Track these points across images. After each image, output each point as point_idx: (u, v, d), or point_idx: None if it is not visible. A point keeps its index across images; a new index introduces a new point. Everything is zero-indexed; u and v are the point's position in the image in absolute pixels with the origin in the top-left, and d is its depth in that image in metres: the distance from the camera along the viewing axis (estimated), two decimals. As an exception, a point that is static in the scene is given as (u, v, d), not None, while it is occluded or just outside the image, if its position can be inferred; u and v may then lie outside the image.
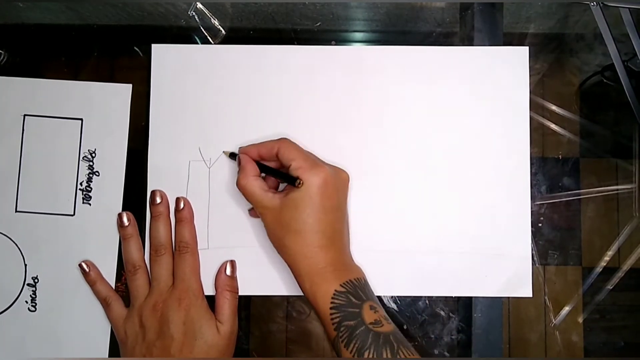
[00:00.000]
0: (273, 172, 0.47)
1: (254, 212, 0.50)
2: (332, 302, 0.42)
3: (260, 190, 0.45)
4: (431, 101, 0.51)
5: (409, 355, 0.41)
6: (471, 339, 0.50)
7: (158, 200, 0.49)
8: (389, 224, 0.50)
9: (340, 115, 0.51)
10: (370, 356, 0.40)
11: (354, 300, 0.43)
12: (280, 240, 0.45)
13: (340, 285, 0.43)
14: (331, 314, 0.42)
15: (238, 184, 0.46)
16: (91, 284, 0.50)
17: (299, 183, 0.43)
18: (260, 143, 0.48)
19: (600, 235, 0.52)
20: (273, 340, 0.52)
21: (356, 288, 0.43)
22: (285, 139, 0.47)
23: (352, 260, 0.47)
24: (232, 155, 0.50)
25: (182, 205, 0.49)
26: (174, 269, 0.48)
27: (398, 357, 0.40)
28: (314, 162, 0.45)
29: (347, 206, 0.48)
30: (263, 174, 0.48)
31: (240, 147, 0.49)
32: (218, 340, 0.46)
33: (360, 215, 0.50)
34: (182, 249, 0.48)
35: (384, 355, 0.40)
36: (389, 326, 0.42)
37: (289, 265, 0.45)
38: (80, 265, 0.50)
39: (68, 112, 0.52)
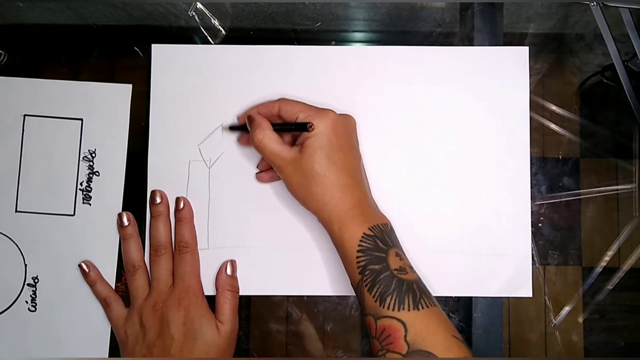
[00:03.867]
0: (282, 126, 0.46)
1: (263, 174, 0.50)
2: (359, 245, 0.42)
3: (278, 143, 0.44)
4: (431, 101, 0.51)
5: (430, 304, 0.40)
6: (471, 338, 0.50)
7: (158, 200, 0.49)
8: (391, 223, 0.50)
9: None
10: (392, 302, 0.40)
11: (381, 245, 0.42)
12: (305, 188, 0.44)
13: (369, 228, 0.42)
14: (357, 257, 0.42)
15: (254, 141, 0.45)
16: (91, 284, 0.50)
17: (311, 126, 0.43)
18: (259, 104, 0.48)
19: (601, 235, 0.52)
20: (273, 340, 0.52)
21: (383, 233, 0.43)
22: (283, 97, 0.48)
23: (376, 205, 0.47)
24: (233, 128, 0.50)
25: (182, 205, 0.49)
26: (173, 269, 0.48)
27: (420, 305, 0.40)
28: (318, 108, 0.45)
29: (360, 149, 0.48)
30: None
31: (238, 116, 0.50)
32: (218, 340, 0.46)
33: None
34: (182, 248, 0.48)
35: (406, 302, 0.40)
36: (413, 275, 0.42)
37: (316, 213, 0.44)
38: (80, 265, 0.50)
39: (68, 112, 0.52)
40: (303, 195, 0.44)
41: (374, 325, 0.40)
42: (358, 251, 0.42)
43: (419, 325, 0.39)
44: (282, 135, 0.46)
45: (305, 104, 0.46)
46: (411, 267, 0.43)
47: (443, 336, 0.39)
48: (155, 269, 0.48)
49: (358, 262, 0.42)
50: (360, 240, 0.42)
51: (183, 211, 0.49)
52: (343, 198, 0.43)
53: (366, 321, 0.41)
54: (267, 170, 0.50)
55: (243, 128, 0.48)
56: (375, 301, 0.40)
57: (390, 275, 0.41)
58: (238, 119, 0.50)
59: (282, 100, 0.47)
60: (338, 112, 0.45)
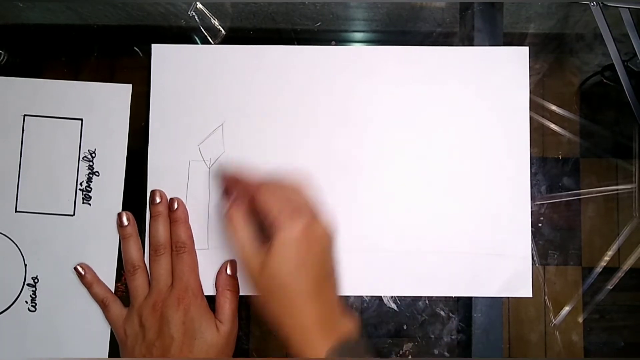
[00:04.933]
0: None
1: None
2: None
3: (250, 241, 0.42)
4: (431, 101, 0.51)
5: None
6: (471, 339, 0.50)
7: (158, 199, 0.49)
8: (389, 224, 0.50)
9: (340, 115, 0.51)
10: None
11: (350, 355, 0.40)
12: (262, 301, 0.42)
13: (331, 348, 0.39)
14: None
15: (227, 218, 0.43)
16: (88, 286, 0.50)
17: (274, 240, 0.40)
18: (241, 177, 0.45)
19: (600, 235, 0.52)
20: (273, 340, 0.52)
21: (348, 349, 0.40)
22: (264, 184, 0.44)
23: (342, 314, 0.43)
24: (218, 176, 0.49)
25: (175, 206, 0.49)
26: (172, 270, 0.48)
27: None
28: (292, 211, 0.41)
29: (332, 254, 0.43)
30: None
31: (224, 172, 0.48)
32: (218, 339, 0.46)
33: (360, 215, 0.50)
34: (179, 249, 0.48)
35: None
36: None
37: (274, 327, 0.42)
38: (75, 268, 0.50)
39: (68, 112, 0.52)
40: (260, 305, 0.42)
41: None
42: None
43: None
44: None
45: (282, 198, 0.42)
46: None
47: None
48: (155, 269, 0.48)
49: None
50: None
51: (177, 212, 0.49)
52: (299, 318, 0.40)
53: None
54: None
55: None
56: None
57: None
58: (222, 176, 0.48)
59: (262, 186, 0.43)
60: (316, 209, 0.42)
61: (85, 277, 0.50)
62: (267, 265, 0.40)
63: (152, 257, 0.49)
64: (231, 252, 0.50)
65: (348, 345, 0.40)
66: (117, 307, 0.49)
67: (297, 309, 0.40)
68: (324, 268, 0.42)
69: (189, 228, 0.50)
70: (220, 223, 0.50)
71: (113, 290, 0.50)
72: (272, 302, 0.41)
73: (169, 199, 0.50)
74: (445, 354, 0.51)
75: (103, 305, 0.49)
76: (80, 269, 0.50)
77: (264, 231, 0.42)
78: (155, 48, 0.52)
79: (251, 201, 0.43)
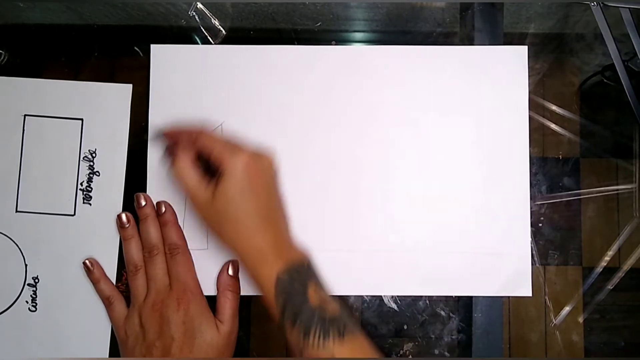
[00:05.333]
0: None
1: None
2: (276, 286, 0.43)
3: (196, 180, 0.45)
4: (431, 101, 0.51)
5: (354, 333, 0.42)
6: (471, 338, 0.50)
7: (143, 202, 0.49)
8: (389, 224, 0.50)
9: (340, 115, 0.51)
10: (316, 337, 0.41)
11: (298, 282, 0.43)
12: (217, 230, 0.45)
13: (284, 268, 0.43)
14: (276, 297, 0.42)
15: (174, 171, 0.46)
16: (94, 282, 0.50)
17: (219, 175, 0.43)
18: (180, 129, 0.48)
19: (601, 235, 0.52)
20: (273, 340, 0.52)
21: (301, 269, 0.44)
22: (203, 129, 0.47)
23: (295, 243, 0.47)
24: (156, 137, 0.50)
25: (163, 209, 0.49)
26: (169, 271, 0.48)
27: (344, 336, 0.41)
28: (234, 147, 0.45)
29: (278, 189, 0.47)
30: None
31: (161, 130, 0.49)
32: (218, 339, 0.46)
33: (360, 215, 0.50)
34: (173, 250, 0.48)
35: (331, 336, 0.41)
36: (334, 307, 0.43)
37: (232, 252, 0.45)
38: (84, 263, 0.50)
39: (68, 112, 0.52)
40: (216, 235, 0.46)
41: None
42: (275, 292, 0.42)
43: (346, 354, 0.41)
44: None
45: (221, 141, 0.45)
46: (331, 300, 0.43)
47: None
48: (151, 269, 0.48)
49: (277, 302, 0.42)
50: (277, 281, 0.43)
51: (166, 214, 0.49)
52: (255, 240, 0.44)
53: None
54: None
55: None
56: (300, 335, 0.41)
57: (311, 310, 0.42)
58: (164, 134, 0.49)
59: (201, 132, 0.46)
60: (255, 147, 0.46)
61: (93, 273, 0.50)
62: (217, 196, 0.44)
63: (146, 258, 0.49)
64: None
65: (299, 268, 0.44)
66: (121, 306, 0.49)
67: (249, 234, 0.44)
68: (272, 197, 0.46)
69: (179, 229, 0.50)
70: (168, 176, 0.50)
71: (113, 290, 0.50)
72: (225, 229, 0.44)
73: (174, 199, 0.50)
74: (446, 354, 0.51)
75: (108, 303, 0.49)
76: (88, 263, 0.50)
77: (209, 174, 0.45)
78: (155, 48, 0.52)
79: (194, 146, 0.46)
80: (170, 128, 0.49)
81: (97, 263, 0.50)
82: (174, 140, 0.48)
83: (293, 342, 0.42)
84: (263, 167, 0.46)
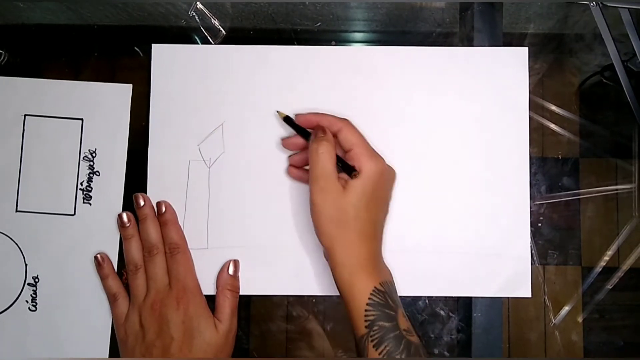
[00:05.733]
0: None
1: (295, 170, 0.48)
2: (370, 299, 0.42)
3: (334, 168, 0.43)
4: (431, 101, 0.51)
5: None
6: (471, 338, 0.50)
7: (142, 203, 0.49)
8: (389, 223, 0.50)
9: (340, 115, 0.51)
10: None
11: (390, 302, 0.42)
12: (330, 225, 0.43)
13: (380, 283, 0.42)
14: (366, 311, 0.41)
15: (316, 150, 0.43)
16: (103, 277, 0.50)
17: (355, 174, 0.43)
18: (323, 115, 0.47)
19: (600, 235, 0.52)
20: (273, 340, 0.52)
21: (392, 291, 0.43)
22: (348, 121, 0.46)
23: (384, 261, 0.46)
24: (288, 119, 0.48)
25: (163, 209, 0.49)
26: (168, 270, 0.48)
27: None
28: (373, 152, 0.45)
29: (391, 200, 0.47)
30: None
31: (297, 114, 0.48)
32: (216, 338, 0.46)
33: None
34: (173, 250, 0.48)
35: None
36: (416, 338, 0.42)
37: (329, 251, 0.43)
38: (95, 257, 0.50)
39: (69, 112, 0.52)
40: (326, 230, 0.43)
41: None
42: (367, 304, 0.41)
43: None
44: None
45: (364, 140, 0.45)
46: (415, 330, 0.43)
47: None
48: (151, 269, 0.48)
49: (366, 316, 0.41)
50: (371, 294, 0.42)
51: (166, 214, 0.49)
52: (362, 248, 0.43)
53: None
54: (301, 168, 0.49)
55: (294, 127, 0.47)
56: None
57: (400, 335, 0.41)
58: (297, 116, 0.48)
59: (346, 123, 0.45)
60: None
61: (103, 268, 0.50)
62: (349, 190, 0.43)
63: (146, 258, 0.49)
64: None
65: (390, 287, 0.43)
66: (124, 305, 0.49)
67: (360, 239, 0.43)
68: (387, 208, 0.46)
69: (179, 229, 0.50)
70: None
71: (113, 290, 0.50)
72: (339, 228, 0.43)
73: (173, 198, 0.50)
74: (445, 353, 0.51)
75: (113, 299, 0.49)
76: (100, 258, 0.50)
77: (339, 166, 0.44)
78: (156, 48, 0.52)
79: (334, 133, 0.45)
80: (309, 113, 0.47)
81: (108, 258, 0.50)
82: (314, 123, 0.46)
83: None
84: (391, 181, 0.46)
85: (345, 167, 0.44)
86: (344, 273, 0.43)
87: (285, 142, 0.49)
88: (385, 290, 0.42)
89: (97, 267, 0.50)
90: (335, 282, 0.44)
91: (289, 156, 0.50)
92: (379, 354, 0.40)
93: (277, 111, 0.49)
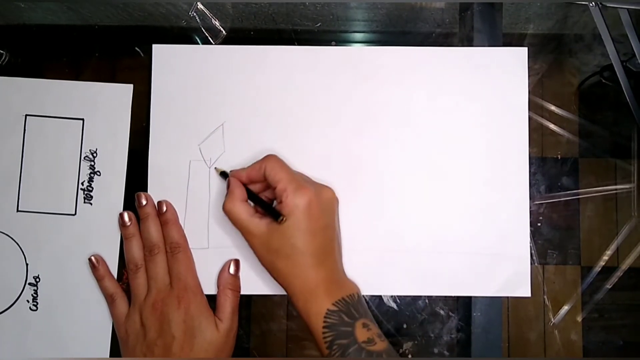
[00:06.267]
0: (260, 202, 0.47)
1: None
2: (324, 321, 0.43)
3: (246, 215, 0.46)
4: (431, 101, 0.51)
5: None
6: (470, 338, 0.50)
7: (143, 202, 0.50)
8: (389, 223, 0.51)
9: (340, 116, 0.51)
10: None
11: (346, 319, 0.43)
12: (270, 264, 0.45)
13: (333, 304, 0.43)
14: (324, 333, 0.43)
15: (224, 209, 0.46)
16: (99, 279, 0.50)
17: (282, 220, 0.43)
18: (249, 166, 0.48)
19: (599, 235, 0.52)
20: (273, 339, 0.52)
21: (349, 306, 0.44)
22: (272, 156, 0.47)
23: (345, 276, 0.48)
24: (223, 174, 0.50)
25: (164, 209, 0.50)
26: (169, 270, 0.48)
27: None
28: (299, 184, 0.45)
29: (336, 223, 0.48)
30: (251, 202, 0.48)
31: (231, 171, 0.49)
32: (217, 337, 0.46)
33: (360, 215, 0.50)
34: (174, 249, 0.49)
35: None
36: (382, 344, 0.43)
37: (282, 286, 0.46)
38: (89, 259, 0.50)
39: (69, 112, 0.52)
40: (268, 268, 0.46)
41: None
42: (324, 327, 0.43)
43: None
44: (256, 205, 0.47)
45: (289, 172, 0.46)
46: (380, 336, 0.43)
47: None
48: (152, 268, 0.48)
49: (325, 338, 0.42)
50: (325, 317, 0.43)
51: (167, 214, 0.50)
52: (306, 278, 0.44)
53: None
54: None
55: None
56: None
57: (359, 348, 0.42)
58: (230, 172, 0.49)
59: (269, 160, 0.46)
60: (318, 182, 0.47)
61: (98, 270, 0.50)
62: (274, 231, 0.44)
63: (147, 257, 0.49)
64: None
65: (349, 301, 0.44)
66: (123, 304, 0.49)
67: (302, 271, 0.44)
68: (329, 235, 0.46)
69: (180, 228, 0.50)
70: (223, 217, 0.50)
71: (114, 290, 0.50)
72: (278, 265, 0.45)
73: (174, 198, 0.50)
74: (445, 353, 0.51)
75: (110, 300, 0.49)
76: (94, 259, 0.50)
77: (263, 205, 0.47)
78: (156, 48, 0.52)
79: (261, 175, 0.46)
80: (237, 170, 0.49)
81: (103, 260, 0.50)
82: (228, 183, 0.48)
83: None
84: (325, 205, 0.46)
85: (272, 213, 0.45)
86: (298, 302, 0.44)
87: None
88: (339, 308, 0.43)
89: (92, 269, 0.50)
90: (298, 313, 0.45)
91: None
92: None
93: (215, 168, 0.51)
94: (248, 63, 0.52)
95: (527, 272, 0.50)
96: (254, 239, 0.45)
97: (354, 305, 0.44)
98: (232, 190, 0.47)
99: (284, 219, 0.44)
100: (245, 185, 0.48)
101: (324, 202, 0.46)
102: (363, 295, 0.47)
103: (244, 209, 0.46)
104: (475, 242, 0.50)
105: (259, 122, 0.51)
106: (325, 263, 0.45)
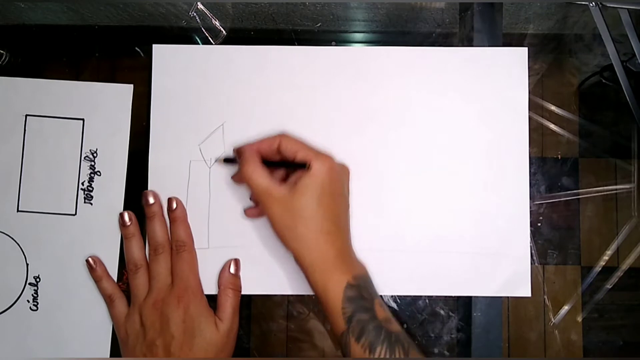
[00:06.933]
0: (278, 164, 0.46)
1: (251, 210, 0.50)
2: (345, 294, 0.42)
3: (268, 179, 0.44)
4: (431, 101, 0.51)
5: (417, 355, 0.41)
6: (471, 338, 0.50)
7: (151, 200, 0.50)
8: (389, 223, 0.51)
9: (340, 116, 0.51)
10: (383, 352, 0.40)
11: (365, 294, 0.42)
12: (291, 229, 0.44)
13: (353, 277, 0.43)
14: (343, 307, 0.42)
15: (243, 174, 0.44)
16: (97, 280, 0.50)
17: (309, 167, 0.43)
18: (259, 140, 0.47)
19: (599, 235, 0.52)
20: (274, 339, 0.52)
21: (366, 283, 0.44)
22: (285, 133, 0.47)
23: (356, 255, 0.47)
24: (228, 160, 0.49)
25: (174, 206, 0.50)
26: (172, 268, 0.48)
27: (410, 355, 0.40)
28: (318, 151, 0.45)
29: (349, 198, 0.48)
30: None
31: (235, 148, 0.49)
32: (217, 337, 0.46)
33: (360, 215, 0.50)
34: (179, 247, 0.49)
35: (397, 354, 0.40)
36: (397, 326, 0.43)
37: (297, 256, 0.44)
38: (87, 260, 0.50)
39: (70, 112, 0.52)
40: (287, 236, 0.44)
41: None
42: (343, 300, 0.42)
43: None
44: (273, 172, 0.46)
45: (305, 144, 0.46)
46: (393, 318, 0.43)
47: None
48: (155, 268, 0.48)
49: (344, 312, 0.42)
50: (345, 289, 0.42)
51: (176, 211, 0.50)
52: (327, 246, 0.43)
53: None
54: (258, 205, 0.49)
55: (236, 161, 0.49)
56: (365, 351, 0.41)
57: (379, 326, 0.41)
58: (234, 151, 0.50)
59: (283, 136, 0.46)
60: (335, 157, 0.46)
61: (96, 271, 0.50)
62: (298, 192, 0.43)
63: (151, 256, 0.49)
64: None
65: (365, 279, 0.43)
66: (122, 305, 0.49)
67: (322, 238, 0.43)
68: (345, 206, 0.46)
69: (188, 227, 0.50)
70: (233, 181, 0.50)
71: (114, 290, 0.51)
72: (298, 231, 0.43)
73: (167, 199, 0.50)
74: (445, 352, 0.51)
75: (109, 301, 0.49)
76: (91, 261, 0.50)
77: (283, 164, 0.46)
78: (157, 48, 0.52)
79: (274, 150, 0.46)
80: (246, 145, 0.48)
81: (100, 261, 0.50)
82: (239, 153, 0.47)
83: (355, 354, 0.41)
84: (344, 175, 0.46)
85: (297, 165, 0.44)
86: (315, 274, 0.43)
87: (234, 177, 0.50)
88: (359, 283, 0.43)
89: (90, 271, 0.50)
90: (309, 284, 0.44)
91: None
92: (361, 346, 0.41)
93: (217, 160, 0.50)
94: (248, 63, 0.52)
95: (527, 272, 0.50)
96: (275, 203, 0.44)
97: (369, 284, 0.44)
98: (249, 157, 0.45)
99: (309, 166, 0.43)
100: None
101: (342, 171, 0.46)
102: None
103: (264, 173, 0.44)
104: (475, 242, 0.50)
105: (259, 122, 0.51)
106: (342, 233, 0.45)
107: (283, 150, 0.46)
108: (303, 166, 0.44)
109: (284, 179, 0.47)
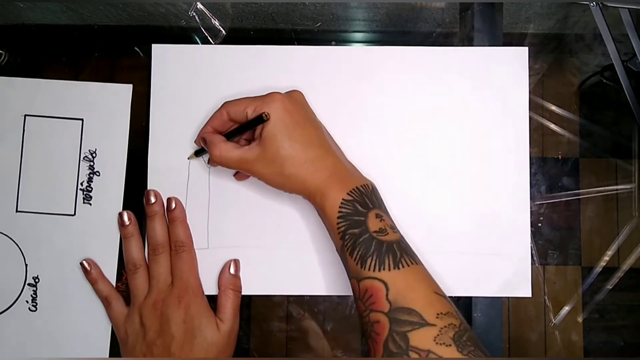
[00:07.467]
0: (237, 130, 0.46)
1: (239, 175, 0.50)
2: (339, 211, 0.42)
3: (235, 149, 0.45)
4: (431, 101, 0.51)
5: (411, 263, 0.41)
6: (471, 338, 0.50)
7: (152, 199, 0.49)
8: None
9: (340, 116, 0.51)
10: (373, 263, 0.40)
11: (360, 208, 0.43)
12: (279, 175, 0.44)
13: (347, 193, 0.43)
14: (338, 223, 0.42)
15: (214, 159, 0.45)
16: (92, 282, 0.50)
17: (266, 116, 0.43)
18: (209, 120, 0.48)
19: (600, 235, 0.52)
20: (273, 339, 0.52)
21: (363, 196, 0.43)
22: (227, 101, 0.47)
23: (356, 169, 0.47)
24: (198, 153, 0.50)
25: (173, 206, 0.50)
26: (172, 269, 0.48)
27: (400, 264, 0.40)
28: (262, 96, 0.45)
29: (316, 117, 0.48)
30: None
31: (195, 139, 0.50)
32: (218, 338, 0.46)
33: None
34: (179, 248, 0.48)
35: (386, 262, 0.40)
36: (394, 235, 0.42)
37: (299, 193, 0.45)
38: (81, 263, 0.50)
39: (69, 112, 0.52)
40: (280, 182, 0.45)
41: (357, 287, 0.41)
42: (338, 217, 0.42)
43: (399, 284, 0.39)
44: (239, 139, 0.47)
45: (248, 98, 0.46)
46: (393, 227, 0.43)
47: (424, 292, 0.40)
48: (154, 268, 0.48)
49: (339, 228, 0.42)
50: (340, 206, 0.42)
51: (175, 211, 0.49)
52: (317, 170, 0.43)
53: (351, 285, 0.42)
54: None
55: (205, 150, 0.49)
56: (357, 264, 0.41)
57: (370, 237, 0.41)
58: (195, 143, 0.50)
59: (226, 103, 0.46)
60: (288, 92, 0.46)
61: (91, 273, 0.50)
62: (266, 142, 0.43)
63: (150, 256, 0.49)
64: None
65: (363, 191, 0.43)
66: (119, 305, 0.49)
67: (309, 167, 0.44)
68: (317, 127, 0.46)
69: (187, 227, 0.50)
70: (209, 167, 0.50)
71: (114, 290, 0.50)
72: (289, 168, 0.44)
73: (166, 198, 0.50)
74: (445, 353, 0.51)
75: (106, 303, 0.49)
76: (86, 264, 0.50)
77: (242, 127, 0.46)
78: (156, 48, 0.52)
79: (226, 120, 0.46)
80: (199, 133, 0.49)
81: (94, 263, 0.50)
82: (203, 142, 0.48)
83: (351, 268, 0.42)
84: (297, 101, 0.46)
85: (256, 122, 0.44)
86: (316, 200, 0.44)
87: (210, 163, 0.50)
88: (354, 198, 0.43)
89: (85, 273, 0.50)
90: (317, 212, 0.45)
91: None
92: (354, 259, 0.41)
93: (187, 158, 0.51)
94: (248, 63, 0.51)
95: (528, 272, 0.50)
96: (255, 163, 0.44)
97: (368, 196, 0.44)
98: (210, 140, 0.46)
99: (267, 115, 0.43)
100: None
101: (295, 99, 0.46)
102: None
103: (230, 146, 0.45)
104: (475, 242, 0.50)
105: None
106: (330, 154, 0.45)
107: (233, 116, 0.46)
108: (261, 119, 0.44)
109: (251, 140, 0.47)
